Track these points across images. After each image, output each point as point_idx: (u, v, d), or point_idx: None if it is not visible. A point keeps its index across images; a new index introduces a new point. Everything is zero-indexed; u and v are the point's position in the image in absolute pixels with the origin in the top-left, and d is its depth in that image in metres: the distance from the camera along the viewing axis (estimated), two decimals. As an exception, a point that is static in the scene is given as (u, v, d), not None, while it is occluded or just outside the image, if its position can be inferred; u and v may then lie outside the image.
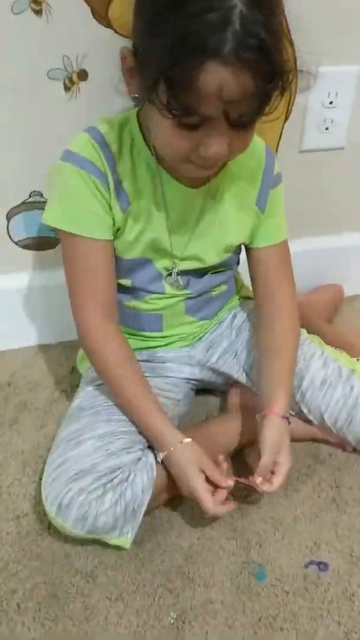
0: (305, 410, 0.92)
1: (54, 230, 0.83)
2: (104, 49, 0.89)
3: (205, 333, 0.99)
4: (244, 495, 0.87)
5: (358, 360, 0.95)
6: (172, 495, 0.86)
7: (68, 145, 0.79)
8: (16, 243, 1.06)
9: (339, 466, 0.94)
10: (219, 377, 1.01)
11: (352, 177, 1.18)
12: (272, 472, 0.81)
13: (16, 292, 1.10)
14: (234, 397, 1.01)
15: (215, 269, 0.92)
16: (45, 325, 1.15)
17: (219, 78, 0.60)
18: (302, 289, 1.24)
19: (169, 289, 0.90)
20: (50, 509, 0.78)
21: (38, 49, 0.88)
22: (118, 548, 0.80)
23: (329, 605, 0.77)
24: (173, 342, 0.97)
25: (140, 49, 0.66)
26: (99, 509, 0.76)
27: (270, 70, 0.62)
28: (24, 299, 1.11)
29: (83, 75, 0.92)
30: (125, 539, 0.79)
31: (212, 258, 0.89)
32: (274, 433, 0.82)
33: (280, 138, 1.08)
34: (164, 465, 0.82)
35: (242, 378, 0.97)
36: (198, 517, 0.85)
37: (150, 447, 0.84)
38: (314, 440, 0.97)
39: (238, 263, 0.99)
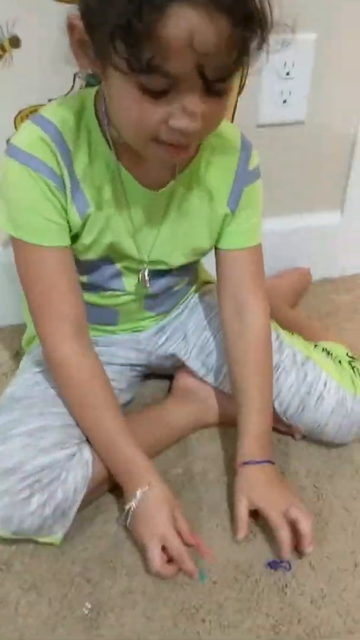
0: (256, 395, 0.86)
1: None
2: (37, 14, 0.86)
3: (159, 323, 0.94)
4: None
5: (315, 346, 0.90)
6: (106, 490, 0.81)
7: (13, 138, 0.70)
8: None
9: (286, 451, 0.88)
10: (166, 360, 0.95)
11: (313, 153, 1.13)
12: (295, 531, 0.72)
13: None
14: (181, 380, 0.96)
15: (180, 270, 0.86)
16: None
17: (188, 22, 0.51)
18: (266, 273, 1.20)
19: (129, 287, 0.83)
20: None
21: None
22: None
23: (258, 596, 0.70)
24: (124, 331, 0.92)
25: (91, 6, 0.56)
26: (24, 511, 0.70)
27: (248, 12, 0.54)
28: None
29: (15, 42, 0.88)
30: (54, 537, 0.74)
31: (178, 260, 0.82)
32: (242, 484, 0.76)
33: (234, 112, 1.04)
34: (99, 461, 0.76)
35: (190, 361, 0.92)
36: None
37: (88, 441, 0.77)
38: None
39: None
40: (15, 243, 0.73)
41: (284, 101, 1.05)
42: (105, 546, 0.76)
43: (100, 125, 0.70)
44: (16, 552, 0.75)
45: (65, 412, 0.78)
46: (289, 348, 0.86)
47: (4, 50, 0.89)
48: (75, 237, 0.75)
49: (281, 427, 0.88)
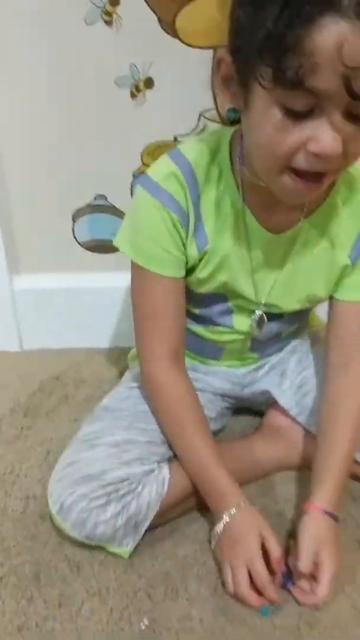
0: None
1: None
2: (170, 58, 0.93)
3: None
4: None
5: None
6: (182, 513, 0.83)
7: (149, 170, 0.74)
8: (80, 244, 1.11)
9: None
10: (260, 396, 0.95)
11: None
12: (314, 578, 0.70)
13: (83, 292, 1.14)
14: (272, 418, 0.95)
15: (293, 314, 0.86)
16: (102, 328, 1.18)
17: (338, 33, 0.49)
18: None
19: (237, 326, 0.85)
20: (53, 507, 0.76)
21: (107, 56, 0.93)
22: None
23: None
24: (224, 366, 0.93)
25: (239, 40, 0.57)
26: (98, 518, 0.73)
27: None
28: (86, 299, 1.15)
29: (149, 83, 0.96)
30: (124, 549, 0.77)
31: (292, 306, 0.82)
32: (312, 530, 0.72)
33: None
34: (178, 480, 0.78)
35: (284, 398, 0.90)
36: (201, 530, 0.80)
37: (169, 460, 0.80)
38: (352, 477, 0.87)
39: None
40: (133, 266, 0.77)
41: None
42: (173, 567, 0.77)
43: (232, 165, 0.72)
44: (88, 557, 0.78)
45: (151, 429, 0.81)
46: None
47: (139, 90, 0.96)
48: (191, 270, 0.78)
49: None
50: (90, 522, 0.73)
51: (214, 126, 0.97)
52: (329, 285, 0.80)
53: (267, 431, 0.94)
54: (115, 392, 0.90)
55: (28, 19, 0.90)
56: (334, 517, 0.74)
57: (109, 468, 0.75)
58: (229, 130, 0.73)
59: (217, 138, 0.74)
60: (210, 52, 0.90)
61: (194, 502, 0.83)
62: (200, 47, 0.91)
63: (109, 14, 0.91)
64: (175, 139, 0.99)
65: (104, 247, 1.11)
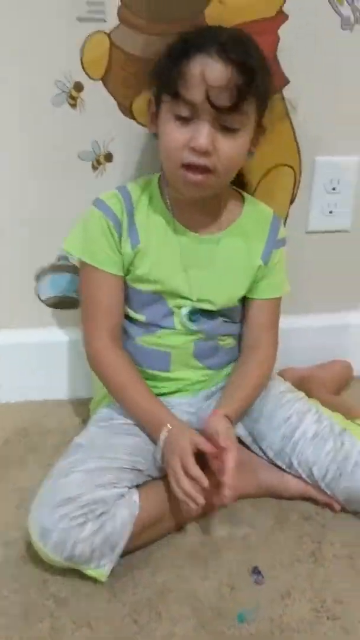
0: (295, 463, 0.95)
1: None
2: (127, 136, 1.06)
3: (209, 388, 1.05)
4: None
5: (352, 421, 0.98)
6: (155, 538, 0.90)
7: (101, 195, 0.97)
8: (43, 301, 1.19)
9: (324, 523, 0.94)
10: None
11: (356, 258, 1.26)
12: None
13: (42, 347, 1.21)
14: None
15: (225, 317, 1.01)
16: (64, 380, 1.25)
17: (202, 64, 0.80)
18: (309, 364, 1.30)
19: (179, 325, 0.98)
20: (33, 531, 0.82)
21: (71, 134, 1.05)
22: (95, 579, 0.83)
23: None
24: (178, 390, 1.03)
25: (155, 78, 0.88)
26: (78, 537, 0.80)
27: (249, 70, 0.80)
28: (47, 353, 1.22)
29: (109, 157, 1.08)
30: (101, 571, 0.83)
31: (222, 300, 0.99)
32: (222, 423, 0.89)
33: (286, 219, 1.19)
34: (147, 504, 0.86)
35: (236, 428, 1.00)
36: (175, 556, 0.87)
37: (137, 486, 0.88)
38: (303, 498, 0.98)
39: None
40: (81, 265, 0.97)
41: (330, 212, 1.21)
42: (153, 594, 0.83)
43: (161, 190, 0.96)
44: (73, 591, 0.83)
45: (121, 458, 0.89)
46: (327, 420, 0.96)
47: (99, 163, 1.08)
48: (131, 269, 0.96)
49: (321, 497, 0.96)
50: (70, 541, 0.79)
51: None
52: (246, 284, 1.00)
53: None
54: (86, 431, 0.98)
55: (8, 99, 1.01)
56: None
57: (85, 491, 0.82)
58: (159, 173, 0.99)
59: (150, 177, 1.00)
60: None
61: (167, 527, 0.91)
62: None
63: (73, 97, 1.03)
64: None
65: (65, 303, 1.19)
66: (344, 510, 0.96)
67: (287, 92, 1.07)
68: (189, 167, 0.85)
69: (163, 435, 0.89)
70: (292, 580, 0.84)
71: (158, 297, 0.97)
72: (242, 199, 1.01)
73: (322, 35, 1.04)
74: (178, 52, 0.82)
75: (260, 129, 0.91)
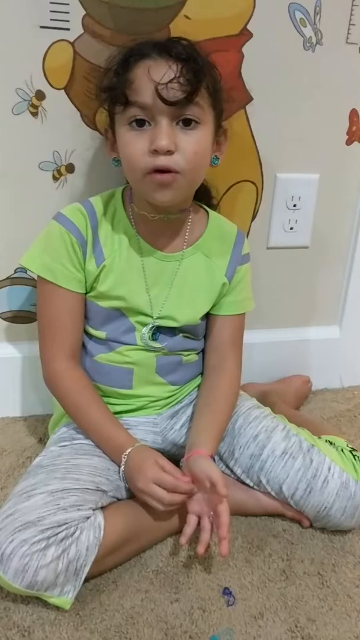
0: (264, 481, 0.94)
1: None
2: (90, 147, 1.04)
3: (173, 405, 1.03)
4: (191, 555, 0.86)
5: (319, 437, 0.98)
6: (121, 561, 0.86)
7: (63, 209, 0.92)
8: (-1, 315, 1.14)
9: (292, 540, 0.93)
10: (180, 450, 1.02)
11: (315, 273, 1.28)
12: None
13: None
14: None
15: (186, 333, 0.99)
16: (18, 397, 1.20)
17: (146, 66, 0.80)
18: (269, 379, 1.30)
19: (141, 342, 0.96)
20: None
21: (32, 144, 1.02)
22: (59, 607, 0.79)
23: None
24: (141, 408, 1.00)
25: (103, 87, 0.86)
26: (40, 562, 0.75)
27: (193, 60, 0.80)
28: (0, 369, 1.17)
29: (70, 168, 1.06)
30: (65, 599, 0.78)
31: (184, 318, 0.96)
32: (208, 463, 0.86)
33: (248, 234, 1.20)
34: (113, 526, 0.83)
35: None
36: (143, 579, 0.84)
37: (102, 508, 0.85)
38: (269, 514, 0.97)
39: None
40: (39, 282, 0.93)
41: (291, 228, 1.22)
42: (122, 618, 0.79)
43: (125, 205, 0.94)
44: (37, 620, 0.78)
45: (84, 479, 0.85)
46: (295, 437, 0.95)
47: (60, 174, 1.06)
48: (94, 286, 0.93)
49: (289, 512, 0.95)
50: (31, 567, 0.75)
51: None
52: (210, 301, 0.98)
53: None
54: (47, 451, 0.93)
55: None
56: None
57: (46, 514, 0.78)
58: (122, 187, 0.97)
59: (113, 190, 0.97)
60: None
61: (134, 549, 0.88)
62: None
63: (35, 106, 1.00)
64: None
65: (21, 318, 1.15)
66: (311, 526, 0.95)
67: (250, 108, 1.08)
68: (154, 172, 0.83)
69: (124, 459, 0.88)
70: (264, 601, 0.83)
71: (119, 313, 0.95)
72: (207, 215, 1.01)
73: (285, 54, 1.06)
74: (121, 63, 0.83)
75: (221, 129, 0.90)
